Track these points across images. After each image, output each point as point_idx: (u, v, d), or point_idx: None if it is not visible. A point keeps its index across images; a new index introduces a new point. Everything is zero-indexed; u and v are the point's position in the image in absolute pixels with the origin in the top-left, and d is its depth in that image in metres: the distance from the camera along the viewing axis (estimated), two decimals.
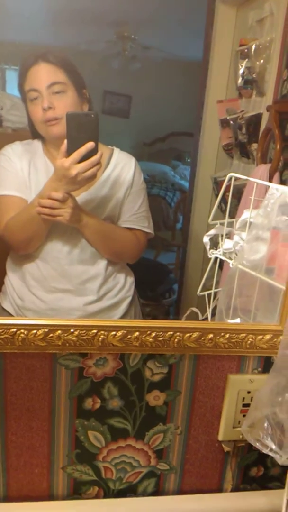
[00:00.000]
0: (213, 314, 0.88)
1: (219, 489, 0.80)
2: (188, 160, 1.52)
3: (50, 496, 0.76)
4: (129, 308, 0.97)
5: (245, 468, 0.80)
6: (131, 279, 0.99)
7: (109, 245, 0.93)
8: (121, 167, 0.94)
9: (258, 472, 0.81)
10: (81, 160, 0.77)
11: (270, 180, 0.95)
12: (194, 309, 0.95)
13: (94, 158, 0.78)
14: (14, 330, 0.66)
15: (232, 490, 0.80)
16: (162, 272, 1.43)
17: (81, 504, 0.75)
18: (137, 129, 1.52)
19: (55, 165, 0.81)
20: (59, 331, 0.67)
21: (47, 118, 0.84)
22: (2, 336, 0.66)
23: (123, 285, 0.97)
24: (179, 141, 1.54)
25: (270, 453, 0.59)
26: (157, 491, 0.79)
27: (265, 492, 0.79)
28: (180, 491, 0.79)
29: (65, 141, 0.77)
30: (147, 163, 1.50)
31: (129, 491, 0.78)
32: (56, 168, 0.80)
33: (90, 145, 0.77)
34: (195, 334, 0.69)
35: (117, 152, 0.95)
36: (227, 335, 0.69)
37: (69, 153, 0.77)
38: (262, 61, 1.19)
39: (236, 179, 1.00)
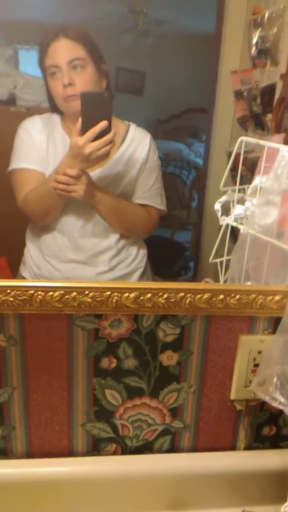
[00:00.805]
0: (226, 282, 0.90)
1: (233, 448, 0.83)
2: (204, 138, 1.51)
3: (70, 452, 0.80)
4: (141, 279, 1.00)
5: (257, 427, 0.82)
6: (143, 251, 1.02)
7: (121, 220, 0.96)
8: (136, 144, 0.95)
9: (270, 431, 0.83)
10: (95, 139, 0.80)
11: None
12: (208, 279, 0.96)
13: (107, 137, 0.80)
14: (32, 292, 0.69)
15: (245, 449, 0.83)
16: (178, 250, 1.44)
17: (100, 460, 0.79)
18: (151, 107, 1.51)
19: (70, 143, 0.83)
20: (75, 293, 0.70)
21: (67, 95, 0.86)
22: (21, 298, 0.69)
23: (135, 256, 0.99)
24: (194, 118, 1.53)
25: (279, 406, 0.61)
26: (172, 449, 0.82)
27: (277, 451, 0.82)
28: (194, 449, 0.83)
29: (80, 119, 0.79)
30: (162, 142, 1.50)
31: (145, 448, 0.82)
32: (71, 146, 0.83)
33: (104, 123, 0.79)
34: (206, 295, 0.71)
35: (133, 128, 0.96)
36: (238, 296, 0.71)
37: (83, 131, 0.80)
38: (275, 29, 1.17)
39: (251, 151, 1.00)
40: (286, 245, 0.75)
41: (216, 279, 0.90)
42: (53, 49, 0.85)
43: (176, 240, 1.52)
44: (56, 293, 0.70)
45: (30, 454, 0.79)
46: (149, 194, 0.98)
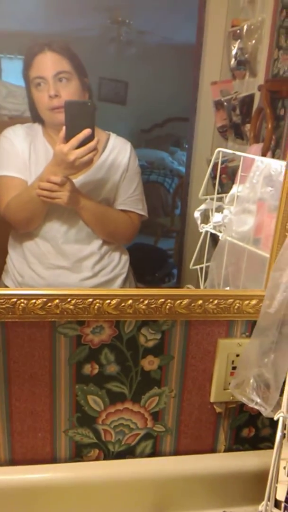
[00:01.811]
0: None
1: (213, 450, 0.85)
2: (186, 146, 1.54)
3: (53, 459, 0.81)
4: (124, 285, 1.01)
5: (237, 429, 0.84)
6: (125, 257, 1.03)
7: (104, 226, 0.97)
8: (117, 152, 0.97)
9: (250, 433, 0.85)
10: (78, 146, 0.82)
11: None
12: (189, 286, 0.99)
13: (91, 144, 0.82)
14: (15, 300, 0.70)
15: (225, 451, 0.85)
16: (162, 257, 1.46)
17: (83, 466, 0.80)
18: (134, 116, 1.53)
19: (54, 151, 0.84)
20: (57, 300, 0.71)
21: (53, 106, 0.88)
22: (4, 306, 0.70)
23: (118, 262, 1.01)
24: (176, 127, 1.56)
25: (255, 406, 0.63)
26: (154, 453, 0.83)
27: (257, 452, 0.84)
28: (176, 452, 0.84)
29: (64, 127, 0.81)
30: (145, 150, 1.52)
31: (128, 453, 0.83)
32: (55, 153, 0.84)
33: (87, 131, 0.81)
34: (185, 301, 0.73)
35: (113, 137, 0.99)
36: (216, 301, 0.73)
37: (67, 139, 0.82)
38: (254, 41, 1.21)
39: (231, 160, 1.03)
40: (262, 251, 0.77)
41: (199, 285, 0.92)
42: (38, 62, 0.87)
43: (159, 247, 1.54)
44: (39, 301, 0.71)
45: (13, 461, 0.80)
46: (131, 200, 1.00)
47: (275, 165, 0.73)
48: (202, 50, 1.27)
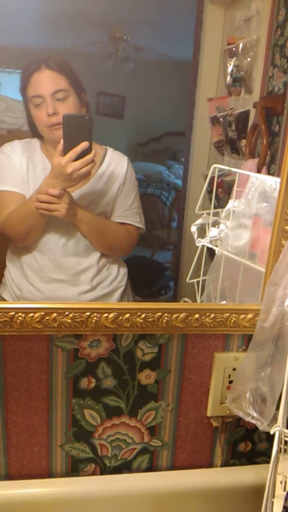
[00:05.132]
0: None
1: (210, 465, 0.85)
2: (182, 160, 1.56)
3: (49, 474, 0.80)
4: (122, 298, 1.02)
5: (233, 443, 0.84)
6: (124, 270, 1.04)
7: (102, 238, 0.98)
8: (114, 165, 0.99)
9: (246, 447, 0.85)
10: (76, 159, 0.83)
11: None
12: (186, 299, 0.99)
13: (88, 157, 0.83)
14: (13, 313, 0.70)
15: (222, 465, 0.84)
16: (159, 270, 1.47)
17: (79, 481, 0.79)
18: (131, 130, 1.55)
19: (52, 163, 0.86)
20: (55, 314, 0.71)
21: (51, 123, 0.89)
22: (1, 319, 0.70)
23: (116, 275, 1.01)
24: (173, 141, 1.58)
25: (252, 421, 0.63)
26: (151, 467, 0.83)
27: (253, 466, 0.84)
28: (173, 467, 0.84)
29: (61, 140, 0.83)
30: (142, 163, 1.54)
31: (124, 467, 0.82)
32: (53, 166, 0.85)
33: (84, 144, 0.83)
34: (182, 315, 0.73)
35: (110, 151, 1.00)
36: (212, 315, 0.74)
37: (65, 152, 0.83)
38: (249, 59, 1.24)
39: (227, 175, 1.04)
40: (258, 265, 0.78)
41: (195, 299, 0.93)
42: (36, 80, 0.89)
43: (156, 260, 1.55)
44: (37, 315, 0.71)
45: (8, 476, 0.79)
46: (128, 213, 1.01)
47: (270, 182, 0.74)
48: (199, 67, 1.29)
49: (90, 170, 0.85)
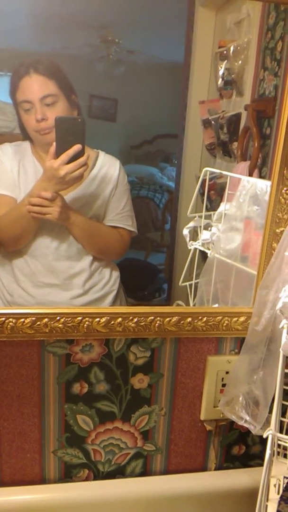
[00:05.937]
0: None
1: (204, 468, 0.84)
2: (175, 162, 1.56)
3: (42, 480, 0.80)
4: (115, 302, 1.01)
5: (227, 447, 0.84)
6: (116, 274, 1.03)
7: (95, 242, 0.98)
8: (106, 168, 0.98)
9: (240, 450, 0.85)
10: (69, 162, 0.83)
11: (250, 176, 1.00)
12: (179, 302, 0.99)
13: (81, 159, 0.83)
14: (3, 319, 0.70)
15: (216, 469, 0.84)
16: (152, 272, 1.47)
17: (72, 487, 0.79)
18: (124, 132, 1.55)
19: (45, 166, 0.85)
20: (46, 319, 0.71)
21: (40, 129, 0.89)
22: None
23: (108, 279, 1.01)
24: (165, 143, 1.58)
25: (245, 424, 0.63)
26: (145, 472, 0.83)
27: (247, 469, 0.83)
28: (166, 471, 0.83)
29: (54, 143, 0.82)
30: (135, 166, 1.54)
31: (118, 472, 0.82)
32: (45, 169, 0.85)
33: (77, 147, 0.82)
34: (174, 318, 0.73)
35: (102, 154, 1.00)
36: (204, 318, 0.74)
37: (57, 155, 0.83)
38: (240, 62, 1.24)
39: (219, 177, 1.05)
40: (250, 268, 0.78)
41: (189, 302, 0.92)
42: (24, 85, 0.88)
43: (150, 262, 1.54)
44: (28, 320, 0.70)
45: (1, 482, 0.78)
46: (120, 216, 1.01)
47: (261, 185, 0.74)
48: (190, 69, 1.29)
49: (83, 172, 0.84)
